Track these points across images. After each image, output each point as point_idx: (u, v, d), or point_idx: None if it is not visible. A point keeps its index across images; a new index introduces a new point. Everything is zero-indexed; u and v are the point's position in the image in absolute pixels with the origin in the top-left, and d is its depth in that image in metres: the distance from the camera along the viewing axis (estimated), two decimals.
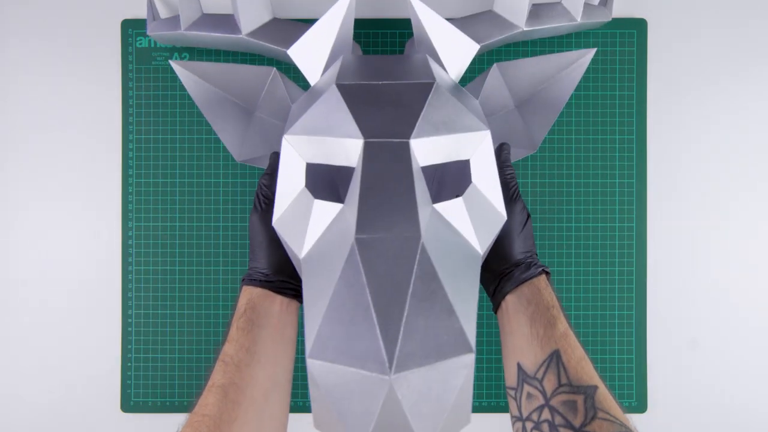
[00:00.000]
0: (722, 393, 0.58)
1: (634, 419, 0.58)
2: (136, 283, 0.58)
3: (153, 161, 0.58)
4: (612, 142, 0.58)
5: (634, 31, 0.58)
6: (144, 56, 0.58)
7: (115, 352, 0.58)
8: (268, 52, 0.52)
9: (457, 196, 0.42)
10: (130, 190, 0.58)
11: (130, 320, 0.58)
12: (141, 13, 0.58)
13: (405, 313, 0.33)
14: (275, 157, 0.49)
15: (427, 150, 0.40)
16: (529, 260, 0.46)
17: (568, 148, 0.58)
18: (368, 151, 0.39)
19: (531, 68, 0.52)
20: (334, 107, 0.41)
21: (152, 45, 0.58)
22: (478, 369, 0.58)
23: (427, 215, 0.38)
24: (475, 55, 0.48)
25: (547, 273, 0.46)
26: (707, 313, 0.58)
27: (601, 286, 0.58)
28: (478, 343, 0.58)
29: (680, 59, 0.58)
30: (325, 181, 0.48)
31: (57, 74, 0.58)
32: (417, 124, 0.39)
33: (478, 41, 0.48)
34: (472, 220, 0.41)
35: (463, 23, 0.51)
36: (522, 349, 0.43)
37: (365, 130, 0.39)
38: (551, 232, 0.58)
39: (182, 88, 0.58)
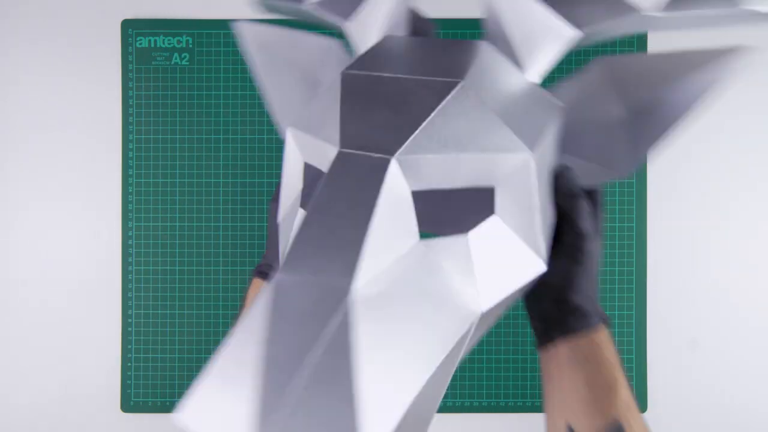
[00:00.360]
0: (722, 393, 0.58)
1: None
2: (136, 283, 0.58)
3: (153, 161, 0.58)
4: None
5: None
6: (144, 56, 0.58)
7: (115, 352, 0.58)
8: (331, 26, 0.43)
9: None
10: (130, 190, 0.58)
11: (130, 320, 0.58)
12: (141, 13, 0.58)
13: (291, 387, 0.26)
14: None
15: (423, 171, 0.31)
16: (587, 307, 0.40)
17: None
18: (337, 164, 0.31)
19: (648, 66, 0.38)
20: (332, 101, 0.34)
21: (152, 45, 0.58)
22: (479, 369, 0.58)
23: (385, 258, 0.29)
24: (576, 48, 0.36)
25: (606, 322, 0.40)
26: (707, 313, 0.58)
27: (601, 286, 0.58)
28: (486, 343, 0.58)
29: None
30: None
31: (57, 74, 0.58)
32: (413, 136, 0.30)
33: (578, 26, 0.35)
34: (479, 264, 0.32)
35: (557, 2, 0.36)
36: (574, 410, 0.39)
37: (345, 137, 0.31)
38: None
39: (182, 88, 0.58)
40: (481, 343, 0.58)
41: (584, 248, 0.39)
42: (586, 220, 0.39)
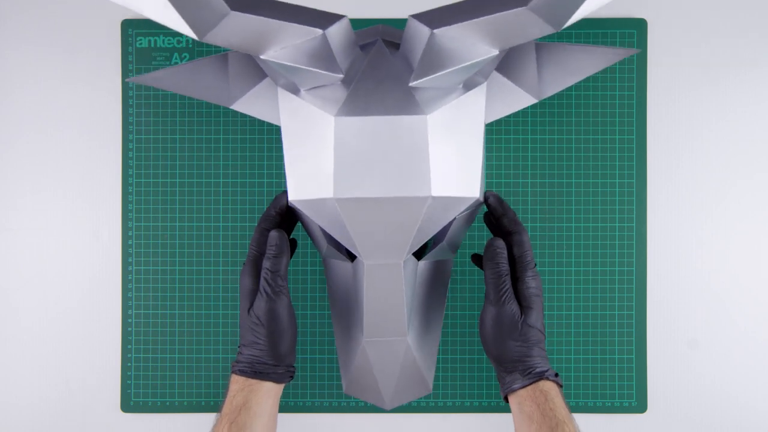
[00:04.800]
0: (722, 393, 0.58)
1: (634, 419, 0.58)
2: (136, 283, 0.58)
3: (153, 161, 0.58)
4: (612, 142, 0.58)
5: (634, 31, 0.58)
6: (144, 56, 0.58)
7: (115, 352, 0.58)
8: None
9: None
10: (130, 190, 0.58)
11: (130, 320, 0.58)
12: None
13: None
14: (281, 238, 0.45)
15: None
16: (523, 367, 0.44)
17: (568, 148, 0.58)
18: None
19: (569, 57, 0.48)
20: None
21: (152, 45, 0.58)
22: (479, 369, 0.58)
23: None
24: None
25: (547, 376, 0.44)
26: (707, 313, 0.58)
27: (601, 286, 0.58)
28: (478, 343, 0.58)
29: (680, 59, 0.58)
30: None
31: (57, 74, 0.58)
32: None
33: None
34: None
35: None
36: None
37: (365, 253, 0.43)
38: (551, 232, 0.58)
39: None
40: (480, 343, 0.58)
41: (507, 309, 0.44)
42: (504, 286, 0.45)
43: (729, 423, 0.58)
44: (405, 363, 0.46)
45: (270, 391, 0.45)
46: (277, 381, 0.45)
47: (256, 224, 0.47)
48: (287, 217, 0.48)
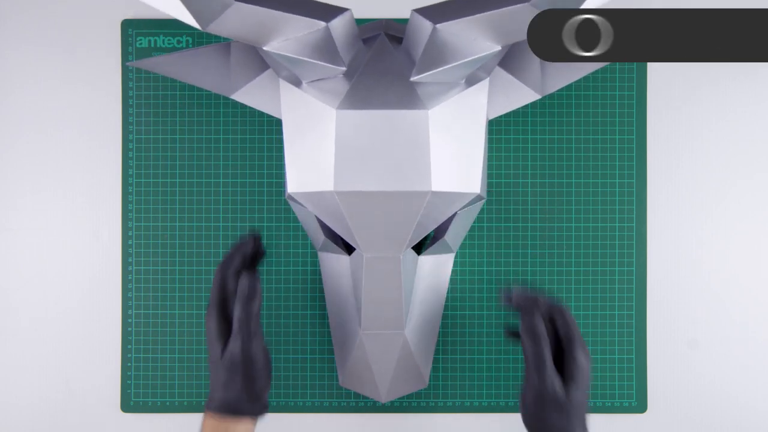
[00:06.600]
0: (722, 393, 0.58)
1: (634, 419, 0.58)
2: (136, 283, 0.58)
3: (153, 161, 0.58)
4: (612, 142, 0.58)
5: None
6: (144, 56, 0.58)
7: (115, 352, 0.58)
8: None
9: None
10: (130, 190, 0.58)
11: (130, 320, 0.58)
12: (141, 13, 0.58)
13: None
14: (253, 280, 0.43)
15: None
16: None
17: (568, 148, 0.58)
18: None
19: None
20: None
21: (152, 45, 0.58)
22: (479, 369, 0.58)
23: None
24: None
25: None
26: (707, 313, 0.58)
27: (601, 286, 0.58)
28: (485, 343, 0.58)
29: None
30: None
31: (57, 74, 0.58)
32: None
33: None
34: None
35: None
36: None
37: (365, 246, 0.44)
38: (551, 232, 0.58)
39: (182, 87, 0.58)
40: (480, 343, 0.58)
41: (544, 391, 0.42)
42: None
43: (729, 423, 0.58)
44: (402, 356, 0.46)
45: (247, 428, 0.44)
46: (254, 416, 0.44)
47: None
48: (250, 261, 0.46)
